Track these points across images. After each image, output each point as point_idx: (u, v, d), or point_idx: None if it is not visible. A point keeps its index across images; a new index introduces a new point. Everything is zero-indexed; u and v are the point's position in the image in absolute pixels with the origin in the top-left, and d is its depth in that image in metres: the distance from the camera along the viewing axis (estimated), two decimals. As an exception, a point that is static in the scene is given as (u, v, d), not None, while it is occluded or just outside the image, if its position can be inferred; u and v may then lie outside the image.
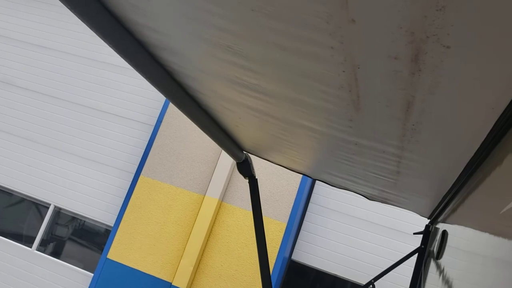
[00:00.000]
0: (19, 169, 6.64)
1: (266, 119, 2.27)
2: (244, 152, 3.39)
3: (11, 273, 6.18)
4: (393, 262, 4.65)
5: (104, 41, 1.50)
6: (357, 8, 1.09)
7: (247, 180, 3.50)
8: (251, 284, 5.29)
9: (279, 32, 1.31)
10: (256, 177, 3.55)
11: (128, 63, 1.67)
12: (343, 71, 1.48)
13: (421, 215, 3.66)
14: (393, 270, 4.15)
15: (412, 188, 2.78)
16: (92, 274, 5.81)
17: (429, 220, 3.70)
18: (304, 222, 5.70)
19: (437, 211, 3.15)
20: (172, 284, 5.34)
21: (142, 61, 1.74)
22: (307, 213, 5.71)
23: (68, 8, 1.26)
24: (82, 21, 1.33)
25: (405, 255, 4.09)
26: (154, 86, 1.99)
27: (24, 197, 6.58)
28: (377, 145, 2.15)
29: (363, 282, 5.29)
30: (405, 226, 5.31)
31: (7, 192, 6.69)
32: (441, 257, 2.56)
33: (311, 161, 3.12)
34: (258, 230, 3.51)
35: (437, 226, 3.37)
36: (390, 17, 1.07)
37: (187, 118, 5.89)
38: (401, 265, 4.31)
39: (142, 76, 1.80)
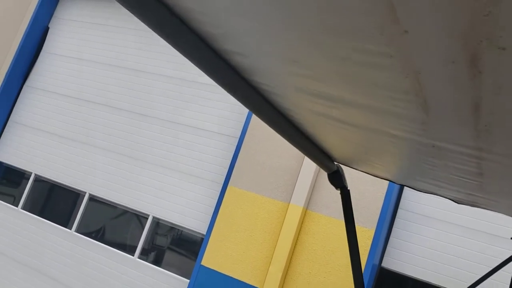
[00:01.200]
0: (121, 183, 7.26)
1: (346, 128, 2.32)
2: (335, 163, 3.41)
3: (116, 279, 6.75)
4: (491, 269, 4.39)
5: (197, 66, 1.67)
6: (408, 21, 1.14)
7: (339, 191, 3.49)
8: (340, 291, 5.28)
9: (340, 45, 1.40)
10: (349, 188, 3.57)
11: (222, 86, 1.83)
12: (406, 77, 1.52)
13: (515, 218, 3.44)
14: (491, 277, 3.93)
15: (499, 190, 2.66)
16: (188, 280, 6.17)
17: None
18: (394, 228, 5.58)
19: (533, 213, 2.97)
20: (262, 290, 5.51)
21: (233, 83, 1.89)
22: (397, 219, 5.58)
23: (158, 34, 1.44)
24: (173, 46, 1.50)
25: (502, 260, 3.85)
26: (245, 105, 2.14)
27: (127, 210, 7.18)
28: (453, 147, 2.12)
29: (459, 290, 5.05)
30: (503, 230, 4.99)
31: (112, 205, 7.34)
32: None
33: (393, 167, 3.10)
34: (351, 242, 3.51)
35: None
36: (440, 26, 1.11)
37: (277, 133, 6.07)
38: (501, 271, 4.07)
39: (233, 96, 1.95)
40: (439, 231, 5.36)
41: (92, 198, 7.51)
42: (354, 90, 1.81)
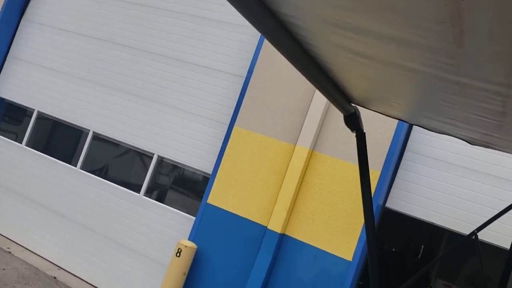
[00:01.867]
0: (125, 122, 7.21)
1: (369, 64, 2.23)
2: (353, 105, 3.33)
3: (122, 215, 6.88)
4: (497, 211, 4.43)
5: None
6: None
7: (348, 134, 3.43)
8: (343, 229, 5.38)
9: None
10: (365, 131, 3.50)
11: (245, 16, 1.72)
12: (445, 5, 1.41)
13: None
14: (499, 220, 3.96)
15: (519, 130, 2.60)
16: (194, 218, 6.28)
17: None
18: (400, 170, 5.59)
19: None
20: (268, 227, 5.61)
21: (258, 14, 1.78)
22: (403, 160, 5.58)
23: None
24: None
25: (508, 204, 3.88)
26: (267, 38, 2.04)
27: (131, 148, 7.18)
28: (480, 84, 2.04)
29: (465, 232, 5.13)
30: (510, 173, 5.00)
31: (116, 143, 7.33)
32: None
33: (410, 105, 3.03)
34: (364, 184, 3.49)
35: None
36: None
37: (296, 70, 5.93)
38: (508, 214, 4.10)
39: (255, 26, 1.84)
40: (445, 173, 5.37)
41: (96, 136, 7.49)
42: (387, 21, 1.70)
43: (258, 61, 6.16)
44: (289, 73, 5.94)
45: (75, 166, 7.48)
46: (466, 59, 1.77)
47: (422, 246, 14.29)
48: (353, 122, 3.34)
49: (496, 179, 5.15)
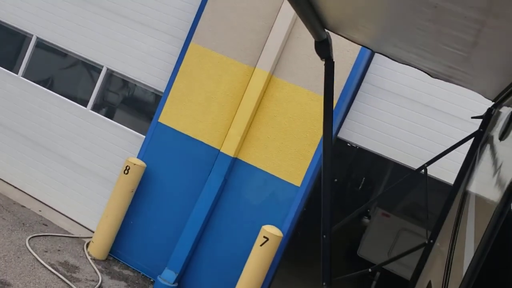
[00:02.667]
0: (72, 29, 6.67)
1: None
2: (326, 31, 3.17)
3: (67, 128, 6.57)
4: (443, 147, 4.56)
5: None
6: None
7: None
8: (295, 156, 5.41)
9: None
10: (334, 60, 3.37)
11: None
12: None
13: (485, 97, 3.45)
14: (448, 156, 4.07)
15: (484, 63, 2.57)
16: (144, 136, 6.09)
17: (492, 104, 3.50)
18: (355, 101, 5.58)
19: (505, 93, 2.95)
20: (220, 150, 5.54)
21: None
22: (360, 92, 5.56)
23: None
24: None
25: (457, 141, 3.97)
26: None
27: (78, 58, 6.71)
28: (459, 9, 1.92)
29: (411, 165, 5.29)
30: (464, 111, 5.10)
31: (61, 52, 6.83)
32: (505, 138, 2.44)
33: (379, 29, 2.91)
34: (327, 115, 3.44)
35: (501, 110, 3.18)
36: None
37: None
38: (457, 151, 4.21)
39: None
40: (398, 107, 5.42)
41: (41, 43, 6.93)
42: None
43: (220, -26, 5.74)
44: (253, -10, 5.60)
45: (17, 73, 6.96)
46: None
47: (364, 178, 14.91)
48: (324, 49, 3.22)
49: (446, 116, 5.27)
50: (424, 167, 3.96)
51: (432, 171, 4.56)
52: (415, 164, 5.20)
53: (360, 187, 14.78)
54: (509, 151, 2.23)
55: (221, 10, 5.71)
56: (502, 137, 2.42)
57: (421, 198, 5.21)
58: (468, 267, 1.77)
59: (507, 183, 1.82)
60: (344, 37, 3.25)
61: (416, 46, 2.82)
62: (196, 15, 5.88)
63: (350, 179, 14.84)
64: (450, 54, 2.61)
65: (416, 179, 4.96)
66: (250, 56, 5.57)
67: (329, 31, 3.23)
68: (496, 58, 2.35)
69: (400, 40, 2.86)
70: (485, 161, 2.90)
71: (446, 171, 5.06)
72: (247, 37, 5.60)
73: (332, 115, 3.54)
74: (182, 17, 6.15)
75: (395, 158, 5.42)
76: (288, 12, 5.36)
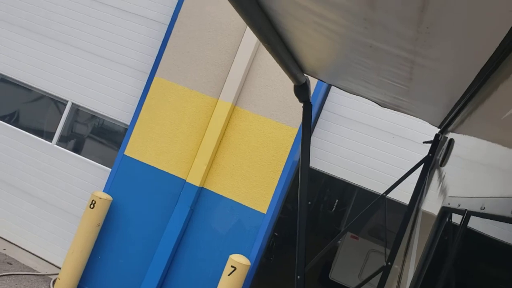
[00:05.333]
0: (37, 65, 6.69)
1: (310, 26, 2.21)
2: (305, 75, 3.31)
3: (33, 165, 6.51)
4: (403, 170, 4.76)
5: None
6: None
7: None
8: (260, 184, 5.52)
9: None
10: (311, 102, 3.52)
11: None
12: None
13: (431, 124, 3.68)
14: (407, 179, 4.27)
15: (424, 96, 2.77)
16: (110, 169, 6.10)
17: (439, 130, 3.72)
18: (316, 128, 5.78)
19: (447, 120, 3.16)
20: (186, 181, 5.60)
21: None
22: (320, 120, 5.76)
23: None
24: None
25: (414, 164, 4.17)
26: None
27: (43, 93, 6.72)
28: (391, 49, 2.11)
29: (377, 189, 5.47)
30: (419, 136, 5.35)
31: (26, 88, 6.82)
32: (444, 164, 2.62)
33: (327, 65, 3.09)
34: (304, 150, 3.58)
35: (446, 135, 3.40)
36: None
37: (221, 21, 5.73)
38: (415, 174, 4.41)
39: None
40: (358, 133, 5.64)
41: (4, 79, 6.91)
42: None
43: (182, 8, 5.92)
44: (215, 24, 5.79)
45: (-21, 110, 6.89)
46: (378, 21, 1.82)
47: (337, 200, 15.13)
48: (303, 93, 3.36)
49: (402, 140, 5.51)
50: (382, 196, 4.14)
51: (393, 194, 4.75)
52: (378, 188, 5.39)
53: (333, 209, 14.96)
54: (447, 177, 2.40)
55: (183, 44, 5.87)
56: (441, 163, 2.60)
57: (387, 221, 5.40)
58: (410, 285, 1.90)
59: (440, 206, 1.98)
60: (317, 78, 3.43)
61: (362, 80, 3.01)
62: (160, 49, 6.01)
63: (323, 201, 15.02)
64: (392, 87, 2.80)
65: (380, 203, 5.15)
66: (213, 88, 5.72)
67: (307, 75, 3.38)
68: (432, 92, 2.55)
69: (348, 75, 3.05)
70: (432, 184, 3.09)
71: (406, 193, 5.26)
72: (209, 70, 5.76)
73: (308, 151, 3.69)
74: (146, 51, 6.27)
75: (359, 183, 5.60)
76: (249, 45, 5.56)
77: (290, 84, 5.33)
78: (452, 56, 1.85)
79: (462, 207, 1.36)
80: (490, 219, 1.02)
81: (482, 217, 1.09)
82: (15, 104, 7.00)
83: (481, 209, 1.07)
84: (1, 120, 6.80)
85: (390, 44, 2.03)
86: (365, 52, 2.33)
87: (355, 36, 2.17)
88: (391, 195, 4.61)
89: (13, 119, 6.90)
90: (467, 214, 1.24)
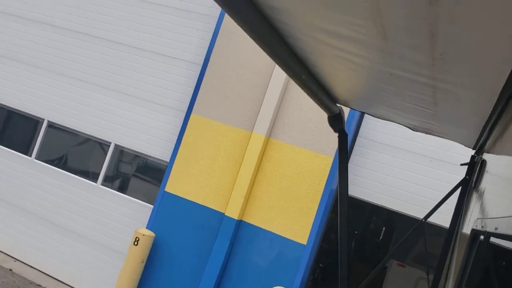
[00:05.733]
0: (81, 110, 7.08)
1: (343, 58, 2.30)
2: (338, 105, 3.39)
3: (79, 205, 6.80)
4: (442, 193, 4.66)
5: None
6: None
7: (336, 135, 3.46)
8: (298, 215, 5.53)
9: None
10: (347, 133, 3.57)
11: (230, 13, 1.74)
12: (365, 2, 1.50)
13: (466, 146, 3.62)
14: (446, 202, 4.18)
15: (451, 119, 2.77)
16: (152, 206, 6.28)
17: (474, 151, 3.66)
18: (353, 156, 5.77)
19: (481, 141, 3.12)
20: (225, 214, 5.69)
21: (246, 13, 1.79)
22: (355, 147, 5.76)
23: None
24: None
25: (453, 186, 4.09)
26: (259, 44, 2.07)
27: (87, 137, 7.07)
28: (410, 76, 2.16)
29: (414, 214, 5.36)
30: (455, 157, 5.24)
31: (72, 132, 7.20)
32: (478, 186, 2.59)
33: (356, 94, 3.15)
34: (342, 180, 3.60)
35: (481, 156, 3.34)
36: None
37: (252, 58, 5.95)
38: (455, 196, 4.32)
39: (242, 25, 1.85)
40: (395, 158, 5.59)
41: (51, 125, 7.33)
42: (328, 18, 1.79)
43: (214, 49, 6.17)
44: (246, 61, 5.99)
45: (30, 156, 7.31)
46: (393, 51, 1.88)
47: (384, 227, 14.74)
48: (337, 122, 3.41)
49: (440, 163, 5.40)
50: (422, 222, 4.07)
51: (435, 218, 4.64)
52: (419, 213, 5.28)
53: (380, 238, 14.60)
54: (479, 198, 2.38)
55: (217, 82, 6.09)
56: (475, 186, 2.57)
57: (430, 246, 5.25)
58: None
59: (470, 229, 1.97)
60: (350, 108, 3.49)
61: (390, 106, 3.05)
62: (195, 88, 6.25)
63: (369, 229, 14.71)
64: (419, 112, 2.82)
65: (421, 228, 5.04)
66: (247, 122, 5.86)
67: (341, 105, 3.44)
68: (458, 114, 2.56)
69: (377, 102, 3.10)
70: (469, 206, 3.03)
71: (447, 216, 5.12)
72: (242, 104, 5.92)
73: (347, 181, 3.69)
74: (182, 91, 6.53)
75: (399, 209, 5.51)
76: (279, 79, 5.70)
77: (322, 113, 5.40)
78: (469, 79, 1.88)
79: (484, 228, 1.38)
80: (502, 239, 1.04)
81: (497, 237, 1.11)
82: (63, 148, 7.39)
83: (495, 229, 1.10)
84: (50, 164, 7.17)
85: (408, 71, 2.08)
86: (387, 80, 2.39)
87: (375, 66, 2.24)
88: (432, 219, 4.51)
89: (61, 162, 7.27)
90: (486, 235, 1.26)
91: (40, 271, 6.88)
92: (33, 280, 6.57)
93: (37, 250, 6.95)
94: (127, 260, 5.83)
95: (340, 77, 2.74)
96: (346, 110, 5.57)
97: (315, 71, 2.69)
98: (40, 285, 6.49)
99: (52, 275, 6.81)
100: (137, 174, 6.97)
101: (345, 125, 3.62)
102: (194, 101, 6.15)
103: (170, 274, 5.91)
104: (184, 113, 6.36)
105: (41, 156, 7.29)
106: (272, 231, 5.58)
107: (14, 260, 7.03)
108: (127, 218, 6.52)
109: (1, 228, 7.17)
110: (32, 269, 6.91)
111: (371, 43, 1.88)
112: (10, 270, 6.67)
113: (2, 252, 7.13)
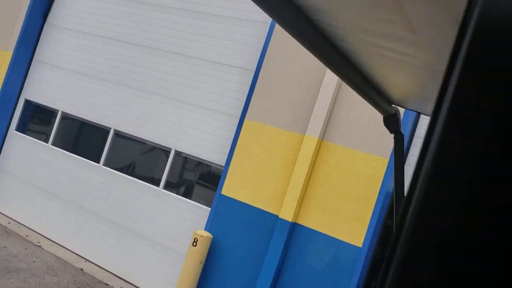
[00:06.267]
0: (143, 119, 7.48)
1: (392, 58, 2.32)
2: (393, 106, 3.38)
3: (143, 208, 7.17)
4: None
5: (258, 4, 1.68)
6: None
7: (393, 135, 3.44)
8: (353, 217, 5.48)
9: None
10: (403, 133, 3.55)
11: (279, 22, 1.83)
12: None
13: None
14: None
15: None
16: (209, 209, 6.50)
17: None
18: (409, 157, 5.64)
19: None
20: (279, 216, 5.77)
21: (294, 20, 1.88)
22: (412, 147, 5.63)
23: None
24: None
25: None
26: (308, 48, 2.14)
27: (150, 144, 7.45)
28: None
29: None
30: None
31: (135, 140, 7.62)
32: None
33: (409, 93, 3.11)
34: (397, 183, 3.56)
35: None
36: None
37: (302, 61, 6.04)
38: None
39: (289, 31, 1.94)
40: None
41: (118, 134, 7.79)
42: (360, 13, 1.84)
43: (266, 54, 6.30)
44: (297, 64, 6.06)
45: (98, 163, 7.81)
46: (424, 46, 1.88)
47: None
48: (392, 123, 3.37)
49: None
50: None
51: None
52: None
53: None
54: None
55: (269, 87, 6.20)
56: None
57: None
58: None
59: None
60: (405, 108, 3.45)
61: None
62: (248, 94, 6.41)
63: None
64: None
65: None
66: (299, 125, 5.92)
67: (396, 106, 3.41)
68: None
69: (432, 101, 3.05)
70: None
71: None
72: (294, 108, 5.99)
73: (403, 185, 3.64)
74: (236, 97, 6.72)
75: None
76: (331, 80, 5.71)
77: (377, 114, 5.34)
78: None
79: None
80: None
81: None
82: (128, 155, 7.83)
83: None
84: (120, 171, 7.62)
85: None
86: (435, 77, 2.36)
87: (419, 62, 2.22)
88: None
89: (129, 169, 7.71)
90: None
91: (108, 271, 7.31)
92: (102, 280, 6.99)
93: (105, 251, 7.39)
94: (186, 261, 6.06)
95: (391, 76, 2.72)
96: (402, 111, 5.48)
97: (367, 72, 2.69)
98: (107, 284, 6.90)
99: (118, 275, 7.21)
100: (195, 178, 7.23)
101: (401, 126, 3.56)
102: (248, 106, 6.31)
103: (227, 275, 6.07)
104: (238, 119, 6.53)
105: (109, 163, 7.76)
106: (327, 233, 5.57)
107: (85, 260, 7.52)
108: (186, 220, 6.78)
109: (74, 231, 7.71)
110: (100, 269, 7.35)
111: (403, 37, 1.89)
112: (81, 269, 7.14)
113: (74, 253, 7.66)
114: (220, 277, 6.11)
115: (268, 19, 6.46)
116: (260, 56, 6.40)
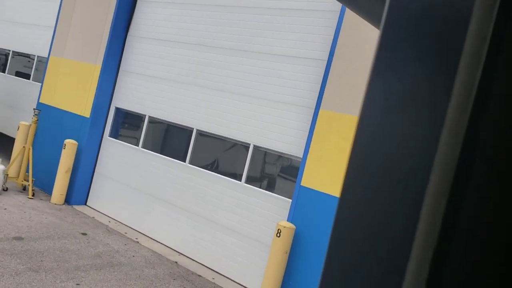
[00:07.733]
0: (223, 117, 7.78)
1: None
2: None
3: (228, 202, 7.47)
4: None
5: None
6: None
7: None
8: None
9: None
10: None
11: None
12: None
13: None
14: None
15: None
16: (291, 200, 6.61)
17: None
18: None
19: None
20: (360, 204, 5.72)
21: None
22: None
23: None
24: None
25: None
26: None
27: (230, 141, 7.73)
28: None
29: None
30: None
31: (217, 138, 7.95)
32: None
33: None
34: None
35: None
36: None
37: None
38: None
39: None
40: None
41: (200, 133, 8.18)
42: None
43: (338, 43, 6.26)
44: (370, 50, 5.95)
45: (184, 161, 8.25)
46: None
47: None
48: None
49: None
50: None
51: None
52: None
53: None
54: None
55: (342, 75, 6.16)
56: None
57: None
58: None
59: None
60: None
61: None
62: (322, 83, 6.42)
63: None
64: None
65: None
66: (376, 111, 5.81)
67: None
68: None
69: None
70: None
71: None
72: (370, 94, 5.89)
73: None
74: (310, 88, 6.75)
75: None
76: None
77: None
78: None
79: None
80: None
81: None
82: (211, 152, 8.19)
83: None
84: (204, 168, 8.00)
85: None
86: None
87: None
88: None
89: (213, 166, 8.07)
90: None
91: (199, 263, 7.72)
92: (195, 271, 7.40)
93: (197, 244, 7.81)
94: (271, 251, 6.23)
95: None
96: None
97: None
98: (200, 276, 7.30)
99: (209, 266, 7.59)
100: (276, 171, 7.39)
101: None
102: (322, 97, 6.32)
103: (312, 265, 6.15)
104: (313, 110, 6.56)
105: (193, 161, 8.17)
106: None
107: (179, 254, 8.01)
108: (269, 212, 6.96)
109: (167, 226, 8.23)
110: (192, 261, 7.79)
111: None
112: (176, 262, 7.62)
113: (169, 247, 8.18)
114: (306, 266, 6.21)
115: (337, 8, 6.42)
116: (332, 45, 6.37)
